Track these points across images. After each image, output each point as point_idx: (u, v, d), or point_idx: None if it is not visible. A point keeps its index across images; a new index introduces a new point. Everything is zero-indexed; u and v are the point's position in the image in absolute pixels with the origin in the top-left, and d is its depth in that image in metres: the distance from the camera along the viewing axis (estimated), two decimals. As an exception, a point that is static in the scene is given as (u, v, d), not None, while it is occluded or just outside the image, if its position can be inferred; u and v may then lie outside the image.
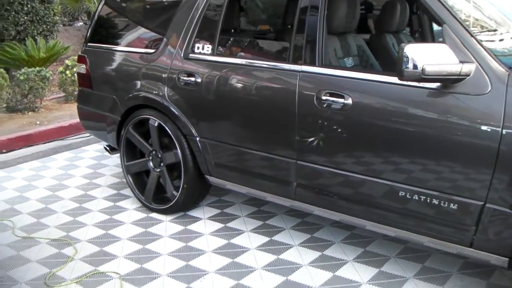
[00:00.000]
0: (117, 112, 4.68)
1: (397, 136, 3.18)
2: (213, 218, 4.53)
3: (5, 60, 9.14)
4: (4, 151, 6.48)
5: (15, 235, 4.29)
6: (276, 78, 3.70)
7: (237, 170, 4.07)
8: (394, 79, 3.11)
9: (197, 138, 4.14)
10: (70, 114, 7.64)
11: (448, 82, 2.95)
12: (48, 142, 6.84)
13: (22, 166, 5.94)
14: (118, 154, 4.90)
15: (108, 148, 5.13)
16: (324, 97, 3.41)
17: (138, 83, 4.48)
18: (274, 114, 3.69)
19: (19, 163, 6.07)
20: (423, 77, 2.86)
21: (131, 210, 4.70)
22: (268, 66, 3.77)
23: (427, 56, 2.88)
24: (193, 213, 4.62)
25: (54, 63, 10.31)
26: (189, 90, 4.12)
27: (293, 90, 3.55)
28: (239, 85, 3.89)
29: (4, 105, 7.93)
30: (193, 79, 4.08)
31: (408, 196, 3.19)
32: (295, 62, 3.60)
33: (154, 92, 4.33)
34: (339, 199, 3.55)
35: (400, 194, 3.22)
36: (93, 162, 6.00)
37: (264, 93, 3.75)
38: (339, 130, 3.40)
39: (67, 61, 8.68)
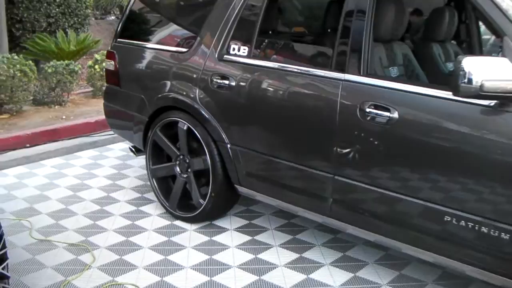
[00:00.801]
0: (145, 113, 4.46)
1: (448, 156, 2.90)
2: (240, 229, 4.28)
3: (35, 52, 9.03)
4: (28, 145, 6.32)
5: (32, 237, 4.09)
6: (316, 86, 3.45)
7: (268, 181, 3.81)
8: (446, 94, 2.86)
9: (228, 145, 3.89)
10: (97, 110, 7.43)
11: (508, 100, 2.66)
12: (73, 138, 6.65)
13: (45, 163, 5.74)
14: (144, 156, 4.66)
15: (133, 149, 4.91)
16: (368, 109, 3.14)
17: (168, 83, 4.25)
18: (312, 124, 3.43)
19: (42, 159, 5.88)
20: (480, 93, 2.59)
21: (154, 216, 4.47)
22: (308, 72, 3.51)
23: (486, 71, 2.62)
24: (220, 222, 4.37)
25: (84, 57, 10.18)
26: (222, 94, 3.88)
27: (334, 99, 3.29)
28: (276, 91, 3.64)
29: (31, 97, 7.78)
30: (227, 82, 3.83)
31: (454, 221, 2.90)
32: (337, 69, 3.34)
33: (184, 93, 4.10)
34: (377, 219, 3.28)
35: (445, 218, 2.93)
36: (117, 162, 5.79)
37: (302, 101, 3.49)
38: (383, 145, 3.13)
39: (96, 55, 8.50)
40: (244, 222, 4.41)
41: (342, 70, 3.31)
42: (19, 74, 7.09)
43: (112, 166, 5.66)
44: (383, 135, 3.12)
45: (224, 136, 3.90)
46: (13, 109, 7.27)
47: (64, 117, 7.28)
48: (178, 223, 4.36)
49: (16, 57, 7.30)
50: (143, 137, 4.57)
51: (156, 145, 4.45)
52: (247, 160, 3.85)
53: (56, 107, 7.79)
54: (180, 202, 4.36)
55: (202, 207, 4.17)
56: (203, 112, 3.97)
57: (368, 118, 3.15)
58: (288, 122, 3.57)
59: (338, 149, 3.30)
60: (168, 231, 4.22)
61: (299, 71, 3.56)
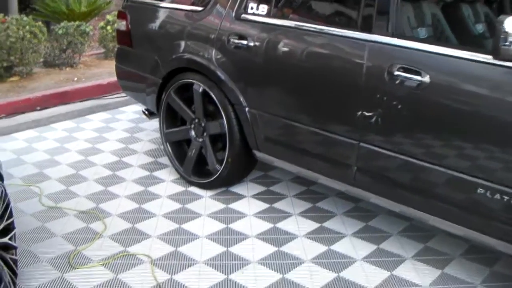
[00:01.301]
0: (158, 74, 4.24)
1: (483, 125, 2.68)
2: (257, 196, 4.09)
3: (45, 13, 8.79)
4: (38, 108, 6.15)
5: (42, 204, 3.94)
6: (340, 47, 3.21)
7: (288, 147, 3.61)
8: (482, 57, 2.64)
9: (246, 108, 3.68)
10: (109, 71, 7.22)
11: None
12: (85, 100, 6.46)
13: (55, 126, 5.56)
14: (157, 119, 4.46)
15: (146, 112, 4.71)
16: (397, 72, 2.91)
17: (183, 43, 4.03)
18: (336, 87, 3.21)
19: (53, 122, 5.70)
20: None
21: (168, 182, 4.30)
22: (331, 32, 3.26)
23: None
24: (236, 189, 4.19)
25: (96, 18, 9.92)
26: (239, 54, 3.65)
27: (360, 61, 3.07)
28: (297, 52, 3.41)
29: (42, 59, 7.56)
30: (244, 42, 3.61)
31: (485, 193, 2.70)
32: (364, 29, 3.10)
33: (200, 54, 3.88)
34: (404, 189, 3.07)
35: (477, 190, 2.73)
36: (130, 125, 5.60)
37: (325, 62, 3.27)
38: (412, 111, 2.92)
39: (108, 16, 8.27)
40: (261, 188, 4.23)
41: (369, 30, 3.07)
42: (28, 36, 6.87)
43: (124, 129, 5.48)
44: (412, 100, 2.90)
45: (241, 99, 3.68)
46: (23, 72, 7.07)
47: (75, 79, 7.08)
48: (193, 189, 4.19)
49: (25, 18, 7.07)
50: (156, 100, 4.37)
51: (170, 108, 4.25)
52: (266, 125, 3.64)
53: (67, 69, 7.59)
54: (195, 168, 4.18)
55: (218, 173, 3.98)
56: (219, 74, 3.75)
57: (397, 81, 2.92)
58: (309, 85, 3.35)
59: (364, 114, 3.09)
60: (183, 198, 4.04)
61: (321, 31, 3.32)
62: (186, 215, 3.80)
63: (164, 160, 4.57)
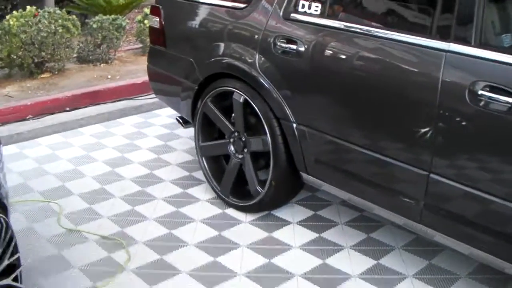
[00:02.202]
0: (194, 79, 3.74)
1: None
2: (304, 223, 3.56)
3: (82, 6, 8.41)
4: (68, 108, 5.71)
5: (60, 226, 3.47)
6: (410, 56, 2.65)
7: (343, 171, 3.06)
8: None
9: (294, 124, 3.14)
10: (145, 69, 6.55)
11: None
12: (117, 101, 5.99)
13: (83, 130, 5.11)
14: (193, 128, 3.96)
15: (180, 120, 4.20)
16: (481, 92, 2.34)
17: (222, 45, 3.51)
18: (403, 106, 2.65)
19: (81, 125, 5.25)
20: None
21: (203, 202, 3.79)
22: (400, 39, 2.67)
23: None
24: (280, 213, 3.66)
25: (135, 10, 9.49)
26: (288, 61, 3.10)
27: (434, 75, 2.49)
28: (356, 60, 2.84)
29: (75, 55, 7.14)
30: (294, 46, 3.05)
31: None
32: (440, 37, 2.51)
33: (241, 58, 3.35)
34: (485, 233, 2.49)
35: None
36: (164, 131, 5.11)
37: (391, 75, 2.69)
38: (500, 141, 2.34)
39: (146, 10, 7.79)
40: (308, 213, 3.69)
41: (447, 38, 2.48)
42: (61, 30, 6.45)
43: (157, 136, 4.99)
44: (500, 127, 2.32)
45: (289, 113, 3.14)
46: (55, 68, 6.66)
47: (109, 76, 6.65)
48: (231, 212, 3.68)
49: (58, 11, 6.66)
50: (191, 108, 3.85)
51: (206, 118, 3.73)
52: (318, 144, 3.10)
53: (102, 65, 7.15)
54: (234, 187, 3.66)
55: (260, 197, 3.45)
56: (263, 83, 3.22)
57: (481, 103, 2.35)
58: (370, 100, 2.79)
59: (437, 140, 2.52)
60: (219, 223, 3.54)
61: (387, 37, 2.73)
62: (222, 245, 3.29)
63: (200, 175, 4.07)
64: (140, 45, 7.97)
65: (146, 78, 5.97)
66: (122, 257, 3.16)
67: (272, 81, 3.18)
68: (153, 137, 4.94)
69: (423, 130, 2.56)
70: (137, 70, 6.89)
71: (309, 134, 3.08)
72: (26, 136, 4.98)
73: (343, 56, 2.88)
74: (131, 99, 6.05)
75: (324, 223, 3.56)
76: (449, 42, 2.47)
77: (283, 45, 3.10)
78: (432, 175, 2.59)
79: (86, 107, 5.78)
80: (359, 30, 2.84)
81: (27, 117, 5.45)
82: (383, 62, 2.73)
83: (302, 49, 3.01)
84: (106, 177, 4.14)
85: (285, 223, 3.55)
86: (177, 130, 5.06)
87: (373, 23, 2.84)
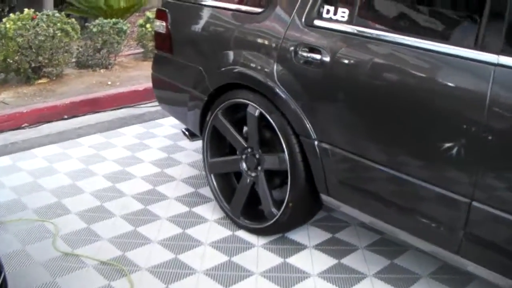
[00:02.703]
0: (203, 89, 3.44)
1: None
2: (321, 247, 3.26)
3: (82, 9, 8.12)
4: (66, 116, 5.42)
5: (55, 249, 3.16)
6: (450, 70, 2.34)
7: (370, 195, 2.75)
8: None
9: (315, 142, 2.84)
10: (146, 75, 6.35)
11: None
12: (118, 108, 5.69)
13: (82, 141, 4.80)
14: (200, 141, 3.67)
15: (187, 132, 3.90)
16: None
17: (235, 53, 3.22)
18: (443, 125, 2.34)
19: (80, 135, 4.94)
20: None
21: (211, 223, 3.49)
22: (438, 49, 2.37)
23: None
24: (295, 235, 3.37)
25: (137, 14, 9.21)
26: (310, 72, 2.81)
27: (480, 92, 2.19)
28: (387, 72, 2.55)
29: (74, 60, 6.85)
30: (318, 56, 2.75)
31: None
32: (487, 48, 2.21)
33: (257, 68, 3.06)
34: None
35: None
36: (167, 143, 4.80)
37: (429, 89, 2.39)
38: None
39: (148, 13, 7.50)
40: (326, 235, 3.39)
41: (495, 50, 2.18)
42: (59, 34, 6.15)
43: (160, 148, 4.68)
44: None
45: (310, 128, 2.85)
46: (53, 73, 6.36)
47: (109, 82, 6.36)
48: (242, 234, 3.38)
49: (57, 14, 6.36)
50: (200, 120, 3.56)
51: (216, 132, 3.44)
52: (342, 165, 2.80)
53: (102, 70, 6.86)
54: (246, 208, 3.36)
55: (275, 219, 3.15)
56: (282, 95, 2.92)
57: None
58: (406, 119, 2.49)
59: (482, 165, 2.22)
60: (229, 247, 3.24)
61: (423, 46, 2.42)
62: (234, 273, 2.99)
63: (207, 191, 3.77)
64: (142, 50, 7.69)
65: (148, 84, 5.73)
66: (124, 285, 2.85)
67: (291, 93, 2.89)
68: (156, 149, 4.64)
69: (467, 153, 2.27)
70: (139, 76, 6.61)
71: (333, 153, 2.79)
72: (21, 146, 4.67)
73: (373, 68, 2.58)
74: (132, 106, 5.76)
75: (343, 247, 3.27)
76: (498, 54, 2.18)
77: (305, 54, 2.80)
78: (474, 203, 2.29)
79: (84, 115, 5.49)
80: (392, 40, 2.53)
81: (23, 125, 5.16)
82: (417, 75, 2.44)
83: (327, 59, 2.71)
84: (106, 193, 3.84)
85: (301, 247, 3.26)
86: (182, 142, 4.76)
87: (408, 32, 2.53)
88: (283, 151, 2.99)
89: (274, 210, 3.15)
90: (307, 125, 2.84)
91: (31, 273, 2.94)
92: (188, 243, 3.26)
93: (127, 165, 4.30)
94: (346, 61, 2.67)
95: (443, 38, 2.44)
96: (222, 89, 3.32)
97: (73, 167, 4.24)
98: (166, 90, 3.96)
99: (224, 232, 3.39)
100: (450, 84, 2.33)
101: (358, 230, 3.44)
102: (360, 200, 2.82)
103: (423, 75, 2.42)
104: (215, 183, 3.51)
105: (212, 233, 3.38)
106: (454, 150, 2.31)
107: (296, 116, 2.88)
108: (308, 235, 3.38)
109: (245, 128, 3.32)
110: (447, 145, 2.34)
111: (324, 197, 2.98)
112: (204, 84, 3.42)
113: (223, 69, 3.27)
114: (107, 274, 2.95)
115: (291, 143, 2.95)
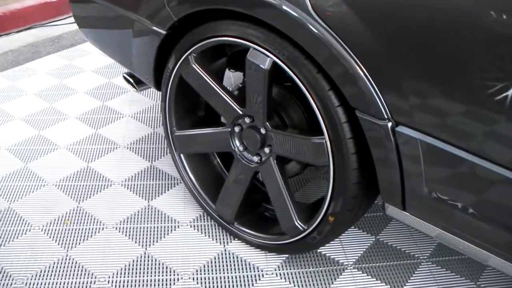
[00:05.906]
0: (162, 19, 2.02)
1: None
2: (363, 265, 2.04)
3: None
4: None
5: None
6: None
7: (485, 218, 1.49)
8: None
9: (390, 124, 1.52)
10: None
11: None
12: (25, 29, 4.16)
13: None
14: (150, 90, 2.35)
15: (131, 79, 2.51)
16: None
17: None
18: None
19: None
20: None
21: (183, 227, 2.20)
22: None
23: None
24: (324, 248, 2.12)
25: None
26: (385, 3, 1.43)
27: None
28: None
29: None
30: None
31: None
32: None
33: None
34: None
35: None
36: (100, 82, 3.37)
37: None
38: None
39: None
40: (361, 246, 2.17)
41: None
42: None
43: (89, 91, 3.27)
44: None
45: (380, 99, 1.50)
46: None
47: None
48: (237, 248, 2.10)
49: None
50: (154, 67, 2.16)
51: (185, 87, 2.06)
52: (442, 169, 1.49)
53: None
54: (243, 209, 2.07)
55: (300, 236, 1.89)
56: (324, 34, 1.54)
57: None
58: None
59: None
60: (226, 277, 1.96)
61: None
62: None
63: (167, 163, 2.44)
64: None
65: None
66: None
67: (344, 32, 1.52)
68: (83, 93, 3.23)
69: None
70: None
71: (427, 148, 1.48)
72: None
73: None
74: (45, 25, 4.21)
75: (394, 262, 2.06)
76: None
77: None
78: None
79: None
80: None
81: None
82: None
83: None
84: (14, 183, 2.45)
85: (337, 267, 2.03)
86: (117, 79, 3.34)
87: None
88: (321, 133, 1.67)
89: (299, 224, 1.87)
90: (375, 94, 1.51)
91: None
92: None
93: (42, 126, 2.89)
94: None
95: None
96: (196, 18, 1.92)
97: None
98: (94, 9, 2.51)
99: (212, 247, 2.12)
100: None
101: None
102: (465, 222, 1.56)
103: None
104: (188, 170, 2.18)
105: (193, 248, 2.09)
106: None
107: (351, 74, 1.53)
108: (342, 247, 2.15)
109: (237, 85, 1.97)
110: None
111: (393, 210, 1.70)
112: (162, 10, 2.00)
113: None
114: None
115: (337, 122, 1.62)
